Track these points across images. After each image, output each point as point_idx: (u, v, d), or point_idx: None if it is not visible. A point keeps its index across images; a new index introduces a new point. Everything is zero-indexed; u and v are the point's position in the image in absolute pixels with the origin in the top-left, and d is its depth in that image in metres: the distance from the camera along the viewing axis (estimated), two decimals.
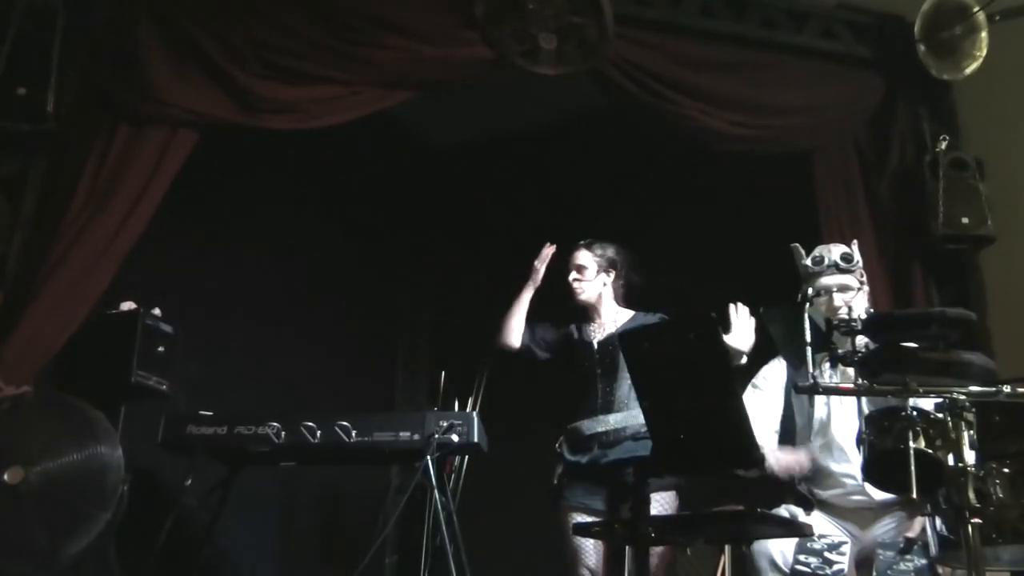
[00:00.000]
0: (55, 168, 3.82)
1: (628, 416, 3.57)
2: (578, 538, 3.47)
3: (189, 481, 3.84)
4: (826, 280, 3.30)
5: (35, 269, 3.64)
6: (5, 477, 3.21)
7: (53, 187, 3.79)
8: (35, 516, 3.21)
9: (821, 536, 2.95)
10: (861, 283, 3.34)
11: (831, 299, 3.27)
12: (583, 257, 3.87)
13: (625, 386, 3.61)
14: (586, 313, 3.86)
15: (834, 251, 3.37)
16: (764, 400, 3.35)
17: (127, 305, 3.80)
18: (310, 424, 3.79)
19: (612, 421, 3.59)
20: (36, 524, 3.20)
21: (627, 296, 3.90)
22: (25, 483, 3.22)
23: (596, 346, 3.75)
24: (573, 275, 3.85)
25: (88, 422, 3.37)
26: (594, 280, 3.85)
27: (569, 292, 3.83)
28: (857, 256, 3.37)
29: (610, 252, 3.89)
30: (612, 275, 3.88)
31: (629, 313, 3.85)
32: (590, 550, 3.48)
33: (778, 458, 3.17)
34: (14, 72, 3.68)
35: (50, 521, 3.22)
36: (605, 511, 3.42)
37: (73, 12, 3.81)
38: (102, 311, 3.76)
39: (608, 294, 3.86)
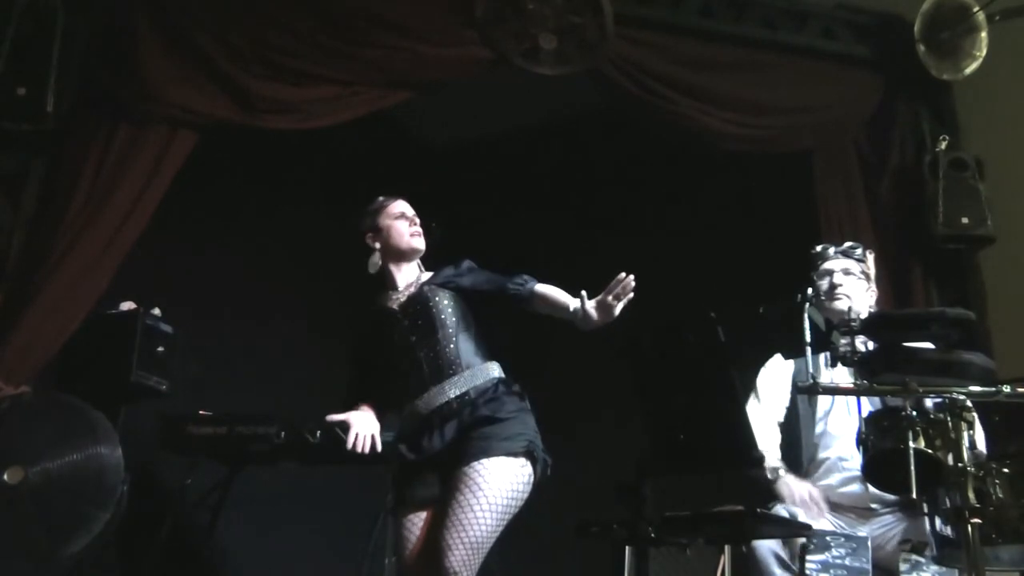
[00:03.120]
0: (55, 168, 3.84)
1: (471, 375, 2.95)
2: (409, 540, 2.91)
3: (189, 481, 3.85)
4: (829, 264, 3.38)
5: (35, 269, 3.64)
6: (5, 477, 3.22)
7: (53, 187, 3.80)
8: (35, 516, 3.21)
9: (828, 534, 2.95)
10: (866, 275, 3.38)
11: (832, 278, 3.32)
12: (410, 208, 3.26)
13: (453, 345, 2.99)
14: (383, 281, 3.21)
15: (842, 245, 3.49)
16: (774, 394, 3.38)
17: (127, 305, 3.81)
18: (310, 424, 3.79)
19: (451, 389, 2.95)
20: (36, 524, 3.21)
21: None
22: (25, 483, 3.22)
23: (398, 311, 3.10)
24: (413, 222, 3.21)
25: (88, 422, 3.37)
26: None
27: (408, 238, 3.17)
28: (862, 251, 3.44)
29: None
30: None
31: (430, 273, 3.23)
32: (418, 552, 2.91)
33: (793, 489, 3.14)
34: (14, 72, 3.69)
35: (50, 521, 3.23)
36: (438, 495, 2.89)
37: (73, 12, 3.82)
38: (102, 311, 3.76)
39: None
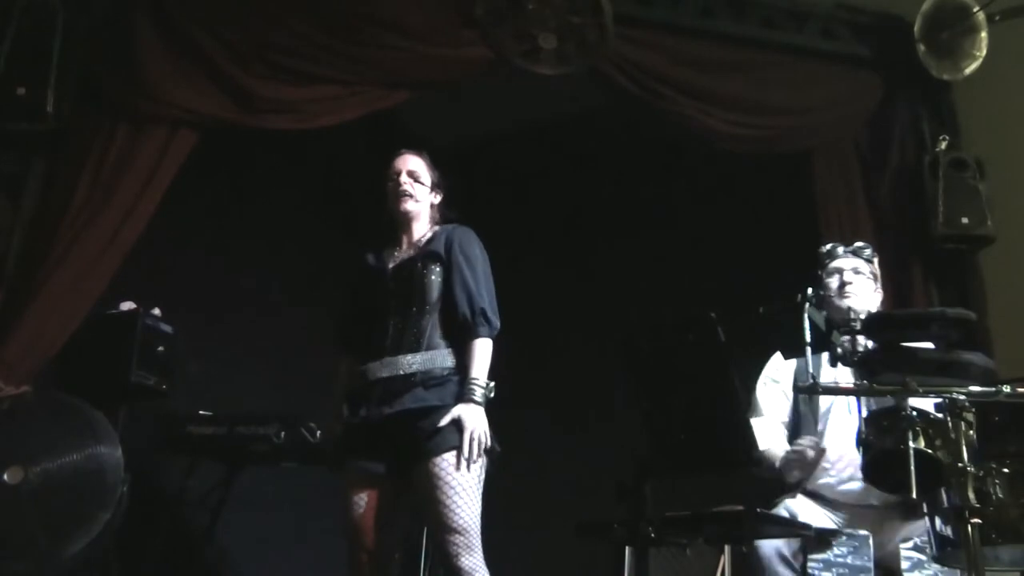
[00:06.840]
0: (55, 168, 3.84)
1: (425, 358, 2.94)
2: (356, 515, 2.97)
3: (189, 481, 3.85)
4: (839, 263, 3.40)
5: (35, 269, 3.64)
6: (5, 477, 3.22)
7: (53, 187, 3.81)
8: (35, 516, 3.21)
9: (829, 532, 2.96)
10: (874, 276, 3.40)
11: (842, 276, 3.34)
12: (417, 163, 3.22)
13: (425, 320, 2.99)
14: (393, 233, 3.22)
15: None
16: (777, 393, 3.39)
17: (127, 305, 3.81)
18: (310, 424, 3.80)
19: (403, 364, 2.93)
20: (36, 524, 3.21)
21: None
22: (25, 483, 3.22)
23: (390, 271, 3.11)
24: (405, 178, 3.17)
25: (88, 422, 3.37)
26: (427, 193, 3.21)
27: (395, 198, 3.17)
28: (871, 252, 3.46)
29: (437, 173, 3.27)
30: (438, 199, 3.25)
31: (435, 230, 3.20)
32: (368, 529, 2.97)
33: (793, 459, 3.17)
34: (14, 72, 3.69)
35: (50, 521, 3.23)
36: (384, 474, 2.96)
37: (73, 12, 3.82)
38: (102, 311, 3.76)
39: (428, 215, 3.21)
